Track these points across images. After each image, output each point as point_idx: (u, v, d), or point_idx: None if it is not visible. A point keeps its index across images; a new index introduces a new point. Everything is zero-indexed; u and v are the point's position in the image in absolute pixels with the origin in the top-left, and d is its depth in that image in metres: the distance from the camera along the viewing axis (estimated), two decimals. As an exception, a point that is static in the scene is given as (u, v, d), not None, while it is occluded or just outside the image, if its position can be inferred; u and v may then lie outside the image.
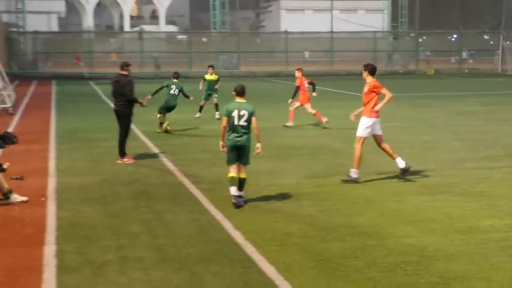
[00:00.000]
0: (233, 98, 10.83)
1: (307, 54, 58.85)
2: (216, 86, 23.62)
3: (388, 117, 23.26)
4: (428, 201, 11.05)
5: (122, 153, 14.66)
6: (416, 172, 13.26)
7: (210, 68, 24.33)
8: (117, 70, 15.31)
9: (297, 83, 20.88)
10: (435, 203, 10.86)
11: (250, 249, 8.38)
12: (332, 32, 60.23)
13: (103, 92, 35.30)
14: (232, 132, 10.66)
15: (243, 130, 10.63)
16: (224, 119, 10.71)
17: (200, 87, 24.00)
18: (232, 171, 10.69)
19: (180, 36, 70.00)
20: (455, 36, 63.17)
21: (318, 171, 13.59)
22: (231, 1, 73.63)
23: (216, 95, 23.56)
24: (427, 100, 30.97)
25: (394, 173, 12.93)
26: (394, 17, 71.21)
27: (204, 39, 63.00)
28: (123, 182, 12.58)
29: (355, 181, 12.33)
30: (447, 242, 8.73)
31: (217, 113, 22.94)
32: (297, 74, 21.02)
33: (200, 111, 23.37)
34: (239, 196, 10.63)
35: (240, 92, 10.78)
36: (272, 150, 15.91)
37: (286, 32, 58.59)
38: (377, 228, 9.38)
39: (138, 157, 15.15)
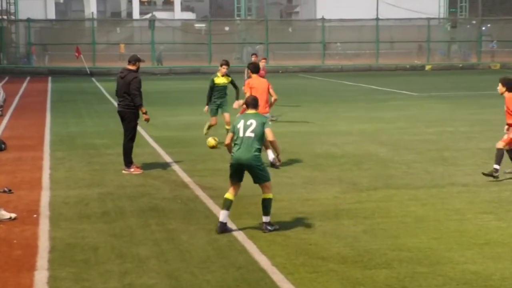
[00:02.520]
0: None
1: (339, 46, 58.69)
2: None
3: (445, 120, 23.14)
4: (493, 220, 10.91)
5: (128, 162, 14.69)
6: (479, 186, 13.12)
7: (254, 56, 26.23)
8: (125, 64, 15.18)
9: None
10: (502, 223, 10.72)
11: (278, 276, 8.33)
12: (377, 19, 59.99)
13: (107, 90, 35.58)
14: (238, 147, 10.20)
15: (251, 146, 10.11)
16: (229, 136, 10.60)
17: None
18: (229, 191, 10.37)
19: (198, 25, 70.31)
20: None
21: (361, 183, 13.49)
22: (258, -16, 73.85)
23: None
24: (490, 100, 30.69)
25: (452, 186, 12.80)
26: (453, 2, 70.71)
27: (227, 28, 63.12)
28: (129, 196, 12.61)
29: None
30: (515, 268, 8.63)
31: None
32: None
33: None
34: (267, 223, 10.24)
35: (251, 104, 10.64)
36: (307, 159, 15.87)
37: (323, 20, 58.51)
38: (430, 252, 9.29)
39: (147, 166, 15.18)
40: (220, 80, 18.27)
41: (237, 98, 17.83)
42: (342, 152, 17.20)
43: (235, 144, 10.25)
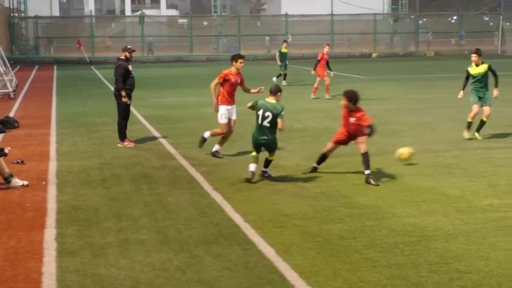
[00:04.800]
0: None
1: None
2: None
3: (390, 99, 23.23)
4: (428, 181, 11.00)
5: (122, 137, 14.60)
6: (417, 153, 13.20)
7: (285, 43, 30.65)
8: (116, 54, 15.20)
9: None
10: (435, 184, 10.81)
11: (249, 231, 8.34)
12: (332, 14, 59.92)
13: (104, 76, 35.25)
14: (257, 131, 10.99)
15: (267, 132, 10.90)
16: (249, 103, 11.24)
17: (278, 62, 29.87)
18: (254, 153, 11.13)
19: (181, 20, 69.71)
20: (455, 17, 62.80)
21: (319, 152, 13.46)
22: (232, -16, 73.29)
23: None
24: (427, 81, 30.87)
25: (394, 153, 12.86)
26: (394, 0, 70.76)
27: (205, 23, 62.70)
28: (124, 165, 12.54)
29: None
30: (447, 222, 8.69)
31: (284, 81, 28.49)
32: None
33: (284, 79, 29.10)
34: (264, 172, 11.21)
35: (273, 91, 11.04)
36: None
37: (286, 15, 58.33)
38: (377, 209, 9.35)
39: (139, 140, 15.10)
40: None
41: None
42: (304, 127, 17.21)
43: (256, 126, 11.02)
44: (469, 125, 15.01)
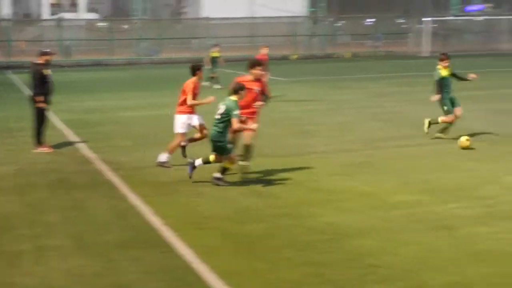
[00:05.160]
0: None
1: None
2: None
3: (308, 100, 23.51)
4: (344, 180, 11.19)
5: (39, 142, 14.25)
6: (334, 152, 13.42)
7: (217, 47, 30.81)
8: (32, 59, 14.82)
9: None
10: (350, 182, 11.00)
11: (168, 234, 8.28)
12: (252, 17, 60.22)
13: (23, 80, 34.31)
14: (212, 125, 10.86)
15: (216, 124, 10.67)
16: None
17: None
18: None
19: (100, 24, 68.61)
20: (370, 20, 64.15)
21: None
22: (152, -12, 72.71)
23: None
24: (345, 82, 31.35)
25: (311, 154, 13.03)
26: (313, 2, 71.66)
27: (125, 26, 61.91)
28: (40, 171, 12.23)
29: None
30: (360, 219, 8.87)
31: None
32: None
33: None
34: (216, 178, 10.84)
35: (232, 90, 10.80)
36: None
37: (207, 18, 58.25)
38: (294, 209, 9.44)
39: (57, 146, 14.76)
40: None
41: None
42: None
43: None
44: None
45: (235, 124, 10.52)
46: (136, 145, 13.42)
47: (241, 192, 10.43)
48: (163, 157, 12.38)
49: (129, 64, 50.20)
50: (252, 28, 57.97)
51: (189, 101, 12.08)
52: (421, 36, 54.86)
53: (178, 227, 8.57)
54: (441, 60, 15.03)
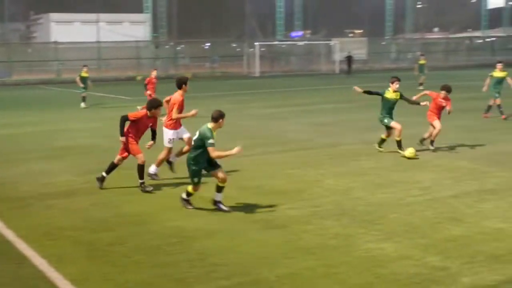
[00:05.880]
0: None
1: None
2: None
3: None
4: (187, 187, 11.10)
5: None
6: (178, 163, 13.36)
7: (85, 67, 28.25)
8: None
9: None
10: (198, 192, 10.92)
11: (22, 246, 7.86)
12: (99, 42, 58.90)
13: None
14: None
15: (192, 150, 9.50)
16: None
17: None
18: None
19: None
20: (208, 44, 64.86)
21: (90, 168, 13.10)
22: (-1, 15, 69.18)
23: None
24: (187, 100, 31.29)
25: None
26: (155, 28, 71.33)
27: (-26, 51, 58.21)
28: None
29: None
30: (205, 222, 8.90)
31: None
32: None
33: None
34: (184, 199, 9.69)
35: (212, 117, 9.39)
36: (47, 151, 15.27)
37: (55, 43, 56.22)
38: (144, 216, 9.30)
39: None
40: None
41: None
42: (76, 144, 16.62)
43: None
44: (400, 143, 14.17)
45: (212, 153, 9.21)
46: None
47: (91, 203, 10.10)
48: (152, 169, 11.89)
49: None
50: (98, 52, 56.65)
51: (174, 114, 11.65)
52: (253, 58, 56.21)
53: (31, 238, 8.16)
54: (391, 83, 14.22)
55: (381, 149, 14.54)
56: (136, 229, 8.60)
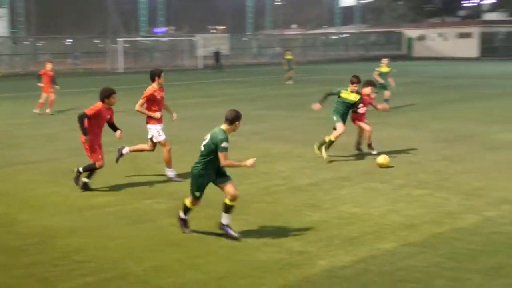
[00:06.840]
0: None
1: None
2: None
3: (9, 116, 22.16)
4: (53, 187, 10.73)
5: None
6: (42, 162, 12.85)
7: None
8: None
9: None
10: (58, 189, 10.59)
11: None
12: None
13: None
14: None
15: (199, 157, 7.79)
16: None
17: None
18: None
19: None
20: (70, 40, 62.66)
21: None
22: None
23: None
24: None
25: (18, 164, 12.28)
26: (14, 24, 67.81)
27: None
28: None
29: None
30: (68, 220, 8.66)
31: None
32: None
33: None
34: (181, 219, 8.10)
35: (226, 118, 7.76)
36: None
37: None
38: (5, 217, 8.86)
39: None
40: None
41: None
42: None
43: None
44: (331, 144, 13.04)
45: (223, 160, 7.61)
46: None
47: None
48: (169, 173, 11.20)
49: None
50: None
51: (137, 106, 10.90)
52: (116, 54, 55.07)
53: None
54: (351, 83, 13.04)
55: (320, 153, 13.09)
56: (-2, 230, 8.18)
